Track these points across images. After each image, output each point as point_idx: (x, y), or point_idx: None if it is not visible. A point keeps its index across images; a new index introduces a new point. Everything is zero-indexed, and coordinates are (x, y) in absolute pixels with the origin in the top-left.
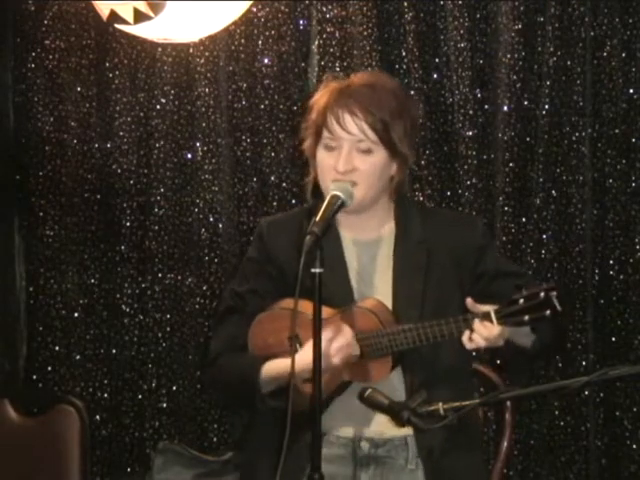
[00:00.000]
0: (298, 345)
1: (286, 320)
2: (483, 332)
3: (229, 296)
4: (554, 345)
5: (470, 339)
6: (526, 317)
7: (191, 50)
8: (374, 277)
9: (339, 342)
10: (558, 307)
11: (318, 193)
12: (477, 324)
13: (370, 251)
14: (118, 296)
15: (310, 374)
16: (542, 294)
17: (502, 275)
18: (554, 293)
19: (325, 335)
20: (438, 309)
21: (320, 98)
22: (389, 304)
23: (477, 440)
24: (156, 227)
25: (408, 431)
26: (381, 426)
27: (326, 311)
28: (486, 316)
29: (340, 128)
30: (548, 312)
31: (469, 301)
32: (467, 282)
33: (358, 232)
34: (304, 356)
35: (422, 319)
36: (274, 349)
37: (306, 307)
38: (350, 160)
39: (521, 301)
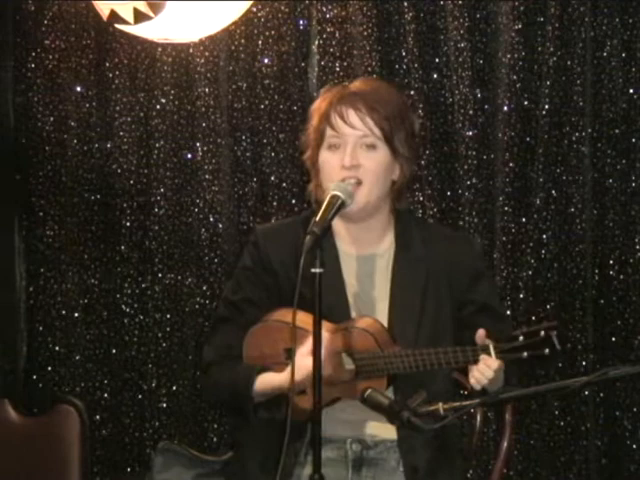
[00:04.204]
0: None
1: (280, 332)
2: (482, 369)
3: (223, 305)
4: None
5: (476, 379)
6: (525, 354)
7: (191, 50)
8: (371, 292)
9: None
10: (558, 346)
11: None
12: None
13: (368, 265)
14: (118, 296)
15: (302, 387)
16: (542, 332)
17: (488, 311)
18: (554, 332)
19: (304, 349)
20: (435, 330)
21: (321, 103)
22: (385, 321)
23: (458, 455)
24: (156, 227)
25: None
26: (372, 428)
27: (323, 326)
28: (485, 349)
29: (344, 124)
30: (547, 351)
31: (481, 332)
32: (456, 303)
33: (356, 245)
34: (296, 370)
35: (418, 339)
36: (269, 360)
37: (302, 320)
38: (355, 156)
39: (521, 338)
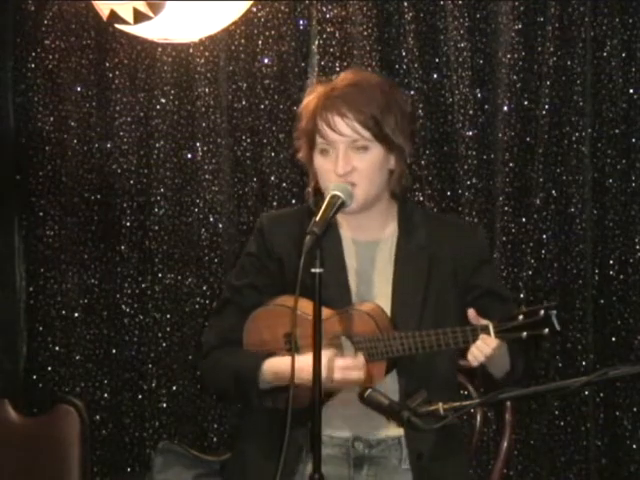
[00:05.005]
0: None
1: (282, 317)
2: (481, 346)
3: (226, 289)
4: (522, 379)
5: (473, 355)
6: (524, 334)
7: (191, 50)
8: (373, 279)
9: (346, 362)
10: (557, 327)
11: (321, 199)
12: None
13: (370, 252)
14: (118, 296)
15: (308, 382)
16: (542, 312)
17: (492, 295)
18: (554, 312)
19: (331, 353)
20: (437, 318)
21: (307, 104)
22: (388, 308)
23: (462, 445)
24: (156, 227)
25: (401, 431)
26: (375, 427)
27: (324, 312)
28: (484, 329)
29: (332, 132)
30: (547, 331)
31: (471, 312)
32: (461, 291)
33: (359, 232)
34: (304, 366)
35: (420, 327)
36: (269, 345)
37: (304, 306)
38: (348, 161)
39: (520, 317)
